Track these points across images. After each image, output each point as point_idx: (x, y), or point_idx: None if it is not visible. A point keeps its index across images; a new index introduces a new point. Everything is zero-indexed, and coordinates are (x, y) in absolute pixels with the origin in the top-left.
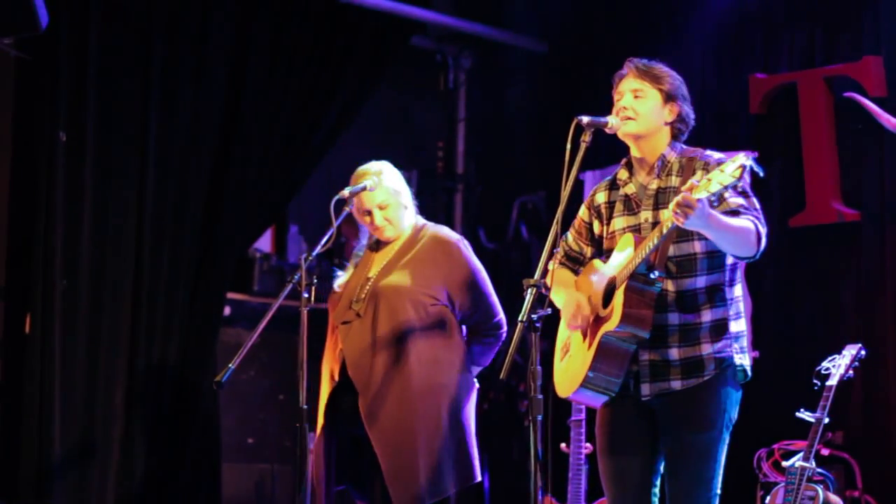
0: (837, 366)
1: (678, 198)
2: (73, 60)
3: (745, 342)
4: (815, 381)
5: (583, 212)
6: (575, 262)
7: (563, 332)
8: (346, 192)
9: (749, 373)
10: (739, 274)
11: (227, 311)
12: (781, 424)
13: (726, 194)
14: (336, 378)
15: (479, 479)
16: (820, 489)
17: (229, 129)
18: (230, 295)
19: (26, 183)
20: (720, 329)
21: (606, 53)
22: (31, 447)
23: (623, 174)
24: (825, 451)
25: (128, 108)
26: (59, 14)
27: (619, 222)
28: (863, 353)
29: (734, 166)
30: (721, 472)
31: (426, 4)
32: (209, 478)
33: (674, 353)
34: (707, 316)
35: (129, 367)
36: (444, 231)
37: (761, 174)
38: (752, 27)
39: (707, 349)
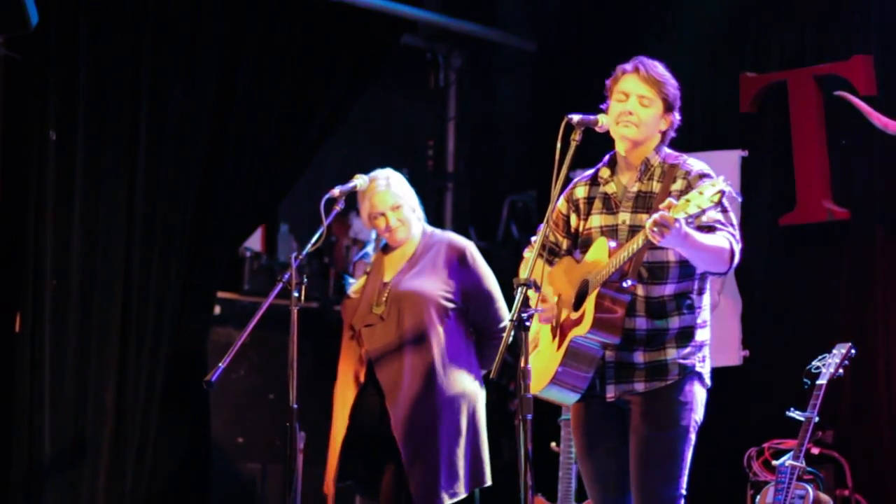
0: (828, 364)
1: (656, 216)
2: (62, 59)
3: (707, 352)
4: (805, 379)
5: (561, 204)
6: (551, 253)
7: (532, 327)
8: (336, 191)
9: (709, 382)
10: (708, 283)
11: (217, 310)
12: (771, 423)
13: (703, 217)
14: (362, 380)
15: (489, 482)
16: (810, 488)
17: (220, 128)
18: (220, 294)
19: (16, 182)
20: (686, 336)
21: (596, 52)
22: (22, 447)
23: (605, 172)
24: (815, 450)
25: (118, 106)
26: (49, 12)
27: (596, 220)
28: (853, 351)
29: (713, 191)
30: (686, 472)
31: (416, 3)
32: (199, 477)
33: (639, 357)
34: (675, 322)
35: (119, 366)
36: (456, 237)
37: (739, 199)
38: (742, 26)
39: (672, 354)
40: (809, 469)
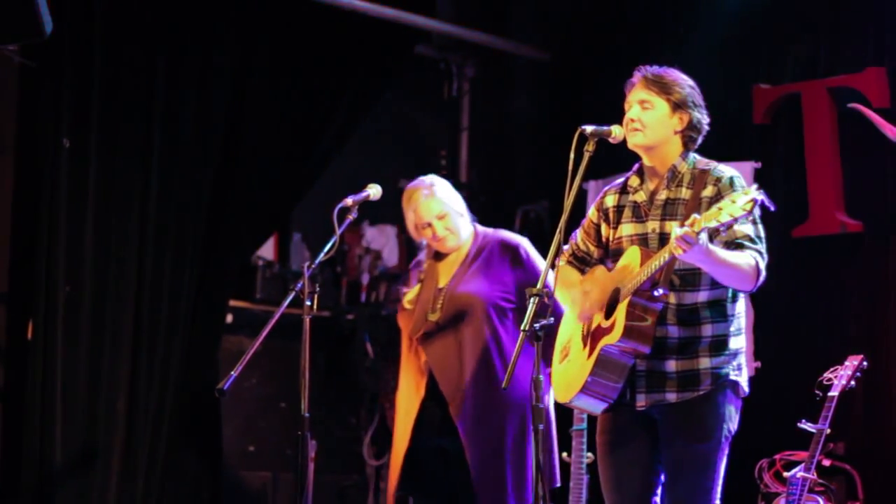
0: (839, 376)
1: (680, 231)
2: (76, 67)
3: (743, 359)
4: (816, 391)
5: (592, 212)
6: (582, 262)
7: (563, 335)
8: (348, 200)
9: (746, 389)
10: None
11: (229, 318)
12: (783, 435)
13: (735, 228)
14: (422, 393)
15: (558, 482)
16: (821, 500)
17: (232, 136)
18: (232, 302)
19: (30, 189)
20: (720, 345)
21: (610, 63)
22: (33, 454)
23: (634, 181)
24: (826, 462)
25: (131, 114)
26: (63, 20)
27: (626, 228)
28: (865, 364)
29: (745, 199)
30: (720, 483)
31: (430, 13)
32: (210, 485)
33: (670, 366)
34: (707, 330)
35: (131, 374)
36: (509, 235)
37: (772, 209)
38: (756, 37)
39: (705, 363)
40: (821, 481)
